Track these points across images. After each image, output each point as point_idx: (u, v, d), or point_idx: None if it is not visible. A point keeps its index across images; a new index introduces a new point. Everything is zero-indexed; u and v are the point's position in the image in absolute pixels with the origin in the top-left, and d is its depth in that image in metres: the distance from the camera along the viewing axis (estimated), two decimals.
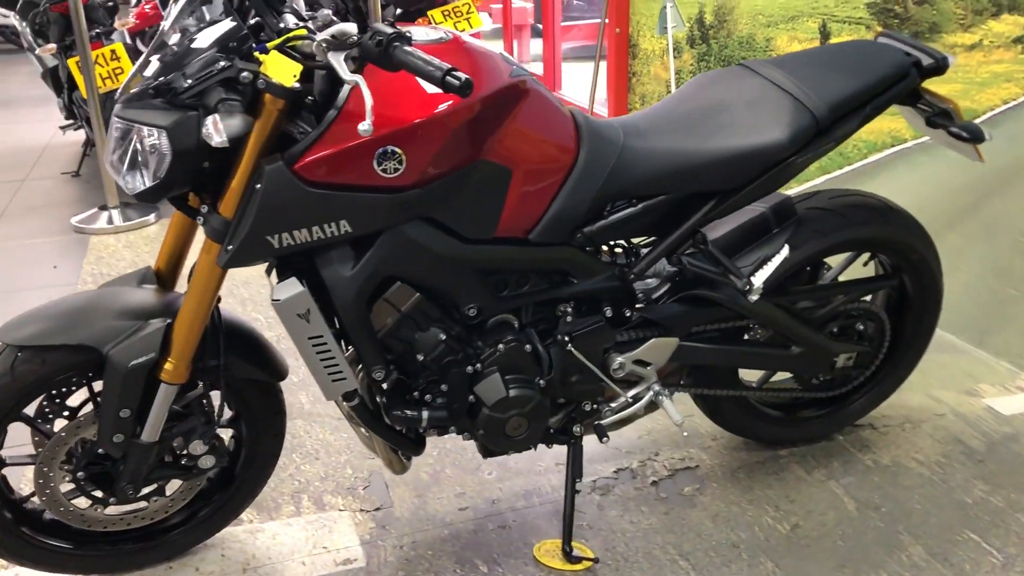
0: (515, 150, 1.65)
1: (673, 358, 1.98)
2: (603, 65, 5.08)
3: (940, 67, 1.89)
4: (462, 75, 1.34)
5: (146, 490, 1.86)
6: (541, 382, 1.84)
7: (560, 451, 2.33)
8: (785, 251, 1.90)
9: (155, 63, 1.53)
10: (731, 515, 2.11)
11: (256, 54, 1.51)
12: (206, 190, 1.60)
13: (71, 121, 5.02)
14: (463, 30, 4.86)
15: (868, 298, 2.19)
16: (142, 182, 1.51)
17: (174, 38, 1.55)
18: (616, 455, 2.34)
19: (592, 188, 1.75)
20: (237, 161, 1.52)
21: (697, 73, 4.11)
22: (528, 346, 1.81)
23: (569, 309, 1.85)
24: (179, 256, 1.81)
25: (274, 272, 1.67)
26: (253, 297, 3.35)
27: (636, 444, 2.38)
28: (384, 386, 1.77)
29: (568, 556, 1.96)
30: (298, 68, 1.49)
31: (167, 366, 1.67)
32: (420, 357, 1.75)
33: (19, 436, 1.80)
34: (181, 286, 1.74)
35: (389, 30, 1.42)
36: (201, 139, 1.46)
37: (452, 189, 1.60)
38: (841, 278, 2.17)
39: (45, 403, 1.75)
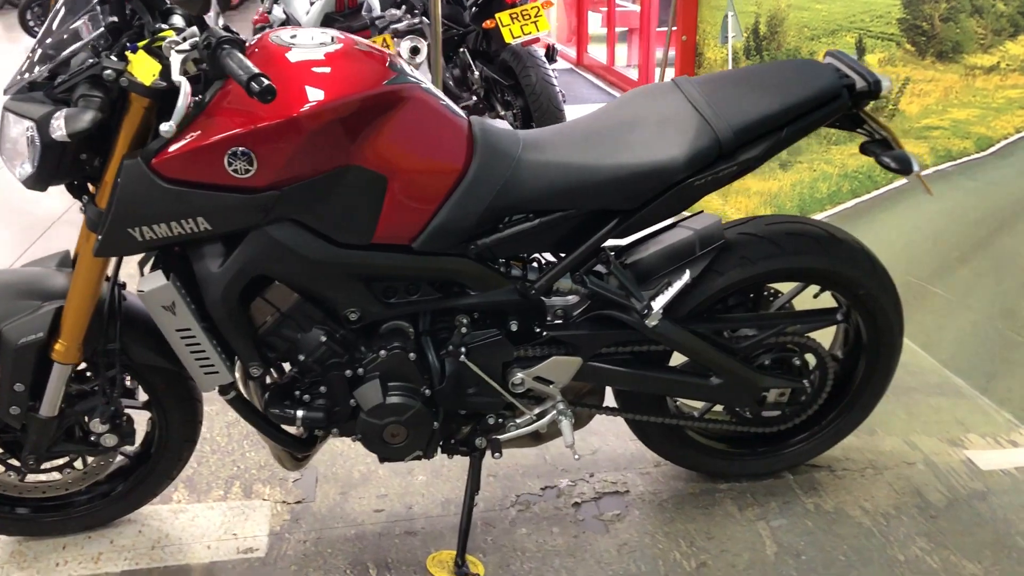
0: (391, 157, 1.64)
1: (580, 378, 1.93)
2: (670, 73, 4.97)
3: (872, 91, 1.76)
4: (264, 81, 1.35)
5: (60, 461, 1.96)
6: (426, 391, 1.83)
7: (494, 463, 2.32)
8: (686, 277, 1.82)
9: (40, 55, 1.61)
10: (640, 546, 2.03)
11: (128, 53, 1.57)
12: (96, 181, 1.67)
13: None
14: (529, 33, 4.87)
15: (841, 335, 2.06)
16: (24, 171, 1.59)
17: (59, 31, 1.62)
18: (551, 472, 2.30)
19: (482, 200, 1.72)
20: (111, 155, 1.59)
21: None
22: (413, 354, 1.80)
23: (466, 320, 1.83)
24: None
25: (149, 263, 1.72)
26: None
27: (574, 462, 2.33)
28: (266, 382, 1.80)
29: (458, 569, 1.94)
30: (158, 68, 1.53)
31: (58, 346, 1.75)
32: (301, 357, 1.77)
33: None
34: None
35: (220, 35, 1.44)
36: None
37: (317, 193, 1.61)
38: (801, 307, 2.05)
39: None
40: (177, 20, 1.64)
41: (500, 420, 1.96)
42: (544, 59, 5.01)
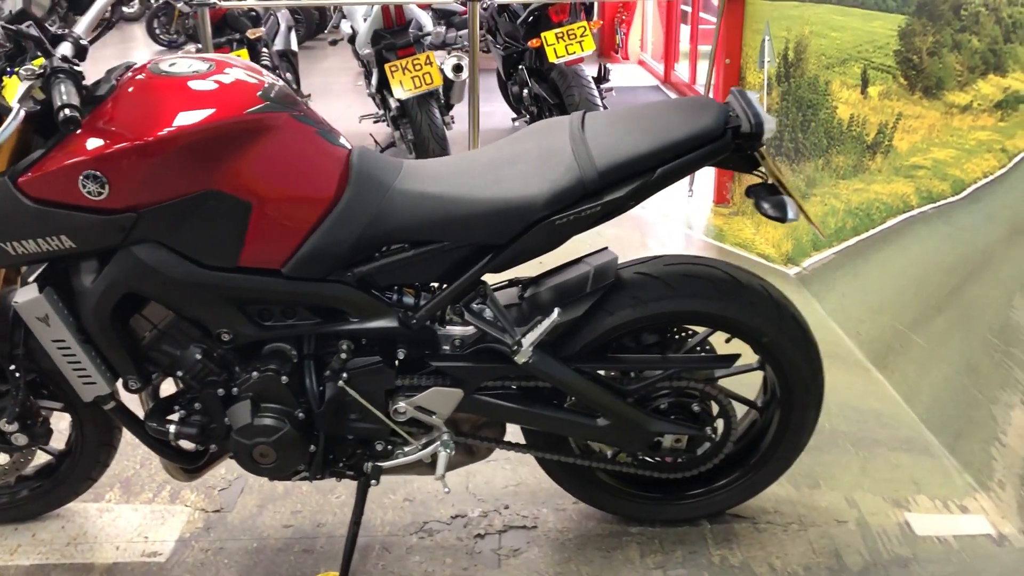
0: (253, 184, 1.67)
1: (465, 410, 1.92)
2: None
3: (754, 134, 1.68)
4: (68, 113, 1.41)
5: None
6: (300, 415, 1.85)
7: (413, 487, 2.32)
8: (554, 315, 1.78)
9: None
10: None
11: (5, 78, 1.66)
12: None
13: None
14: (573, 52, 4.86)
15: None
16: None
17: None
18: (467, 501, 2.28)
19: (353, 229, 1.73)
20: None
21: (778, 112, 3.85)
22: (286, 377, 1.83)
23: (347, 346, 1.85)
24: None
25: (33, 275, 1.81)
26: None
27: (495, 493, 2.31)
28: (144, 395, 1.87)
29: None
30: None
31: None
32: (179, 373, 1.83)
33: None
34: None
35: (57, 65, 1.51)
36: None
37: (177, 216, 1.66)
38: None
39: None
40: (64, 49, 1.71)
41: (389, 447, 1.97)
42: (589, 79, 4.99)
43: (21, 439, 2.01)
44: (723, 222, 4.42)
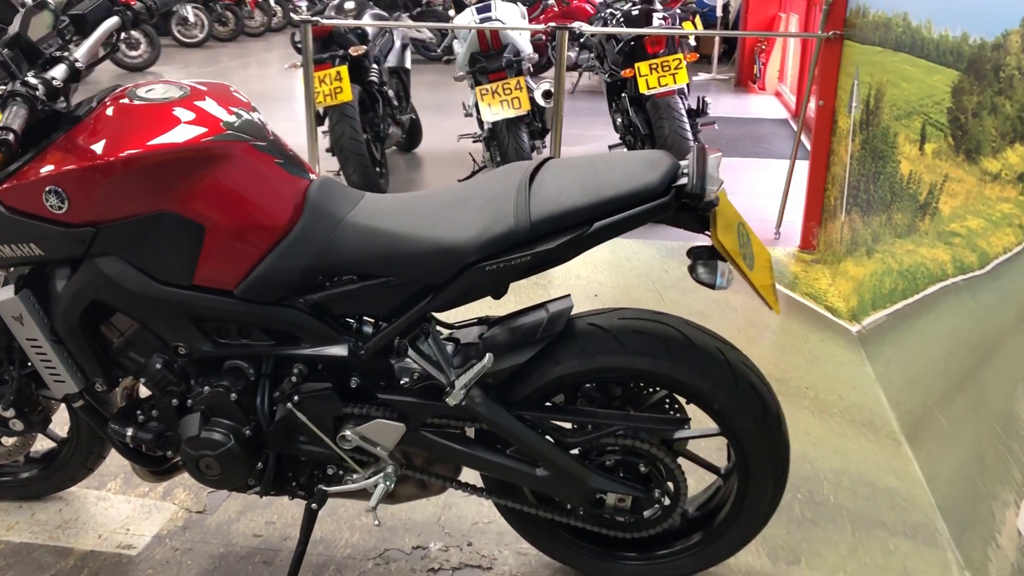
0: (206, 209, 1.75)
1: (408, 445, 1.93)
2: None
3: (697, 195, 1.62)
4: (2, 136, 1.52)
5: None
6: (247, 432, 1.92)
7: (387, 513, 2.36)
8: (486, 360, 1.77)
9: None
10: None
11: None
12: None
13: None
14: (666, 84, 4.79)
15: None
16: None
17: None
18: (433, 533, 2.30)
19: (303, 258, 1.79)
20: None
21: (858, 160, 3.69)
22: (235, 395, 1.90)
23: (299, 370, 1.91)
24: None
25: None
26: None
27: (463, 528, 2.31)
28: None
29: None
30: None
31: None
32: (143, 380, 1.93)
33: None
34: None
35: (16, 89, 1.63)
36: None
37: (134, 233, 1.76)
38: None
39: None
40: (57, 71, 1.84)
41: (341, 472, 2.01)
42: (682, 112, 4.90)
43: (18, 425, 2.16)
44: (801, 269, 4.25)
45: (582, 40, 5.73)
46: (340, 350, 1.87)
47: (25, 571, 2.16)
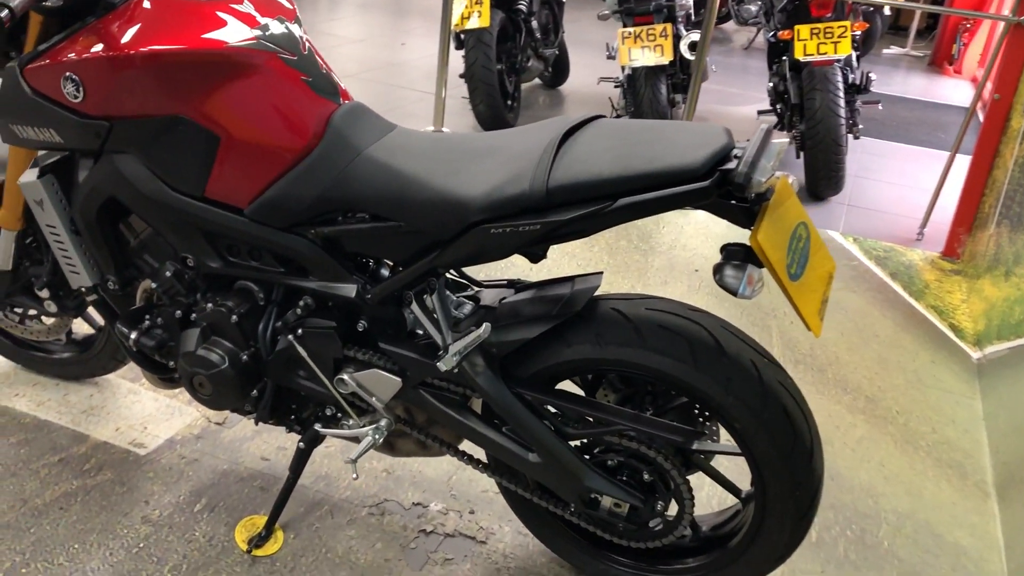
0: (222, 119, 1.65)
1: (404, 400, 1.81)
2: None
3: (740, 183, 1.37)
4: None
5: (32, 314, 2.30)
6: (244, 356, 1.84)
7: (399, 462, 2.26)
8: (482, 330, 1.61)
9: None
10: None
11: None
12: None
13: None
14: (825, 53, 4.39)
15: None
16: None
17: None
18: (439, 492, 2.18)
19: (315, 186, 1.67)
20: None
21: (1021, 167, 3.26)
22: (236, 317, 1.81)
23: (304, 303, 1.81)
24: None
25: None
26: None
27: (470, 494, 2.18)
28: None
29: (258, 537, 1.96)
30: None
31: (2, 212, 2.04)
32: (153, 285, 1.88)
33: None
34: None
35: None
36: None
37: (147, 134, 1.68)
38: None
39: None
40: None
41: (338, 415, 1.91)
42: (838, 85, 4.46)
43: (52, 307, 2.17)
44: (935, 278, 3.82)
45: None
46: (348, 290, 1.75)
47: (39, 448, 2.19)
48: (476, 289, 1.87)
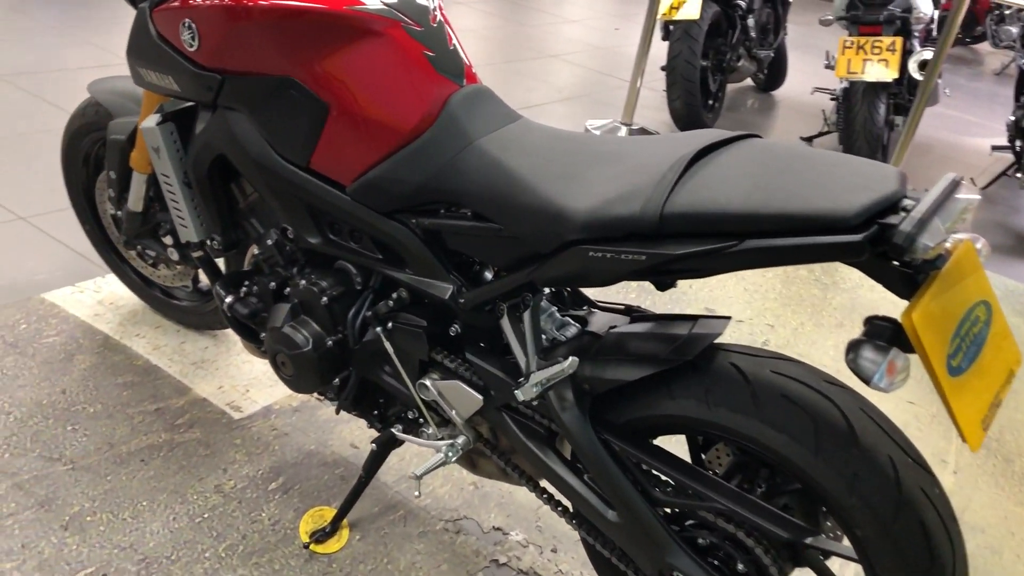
0: (334, 86, 1.51)
1: (487, 420, 1.63)
2: None
3: (900, 245, 1.08)
4: None
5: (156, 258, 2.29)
6: (329, 342, 1.71)
7: (489, 480, 2.09)
8: (567, 364, 1.39)
9: None
10: None
11: None
12: None
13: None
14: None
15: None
16: None
17: None
18: (524, 520, 1.99)
19: (420, 173, 1.51)
20: None
21: None
22: (326, 299, 1.69)
23: (399, 295, 1.66)
24: None
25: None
26: None
27: (559, 530, 1.98)
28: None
29: (322, 532, 1.85)
30: None
31: (133, 154, 2.02)
32: (255, 251, 1.79)
33: None
34: None
35: None
36: None
37: (259, 94, 1.57)
38: None
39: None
40: None
41: (420, 421, 1.76)
42: None
43: (174, 255, 2.14)
44: None
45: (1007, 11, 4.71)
46: (443, 289, 1.58)
47: (140, 394, 2.17)
48: (589, 310, 1.65)
